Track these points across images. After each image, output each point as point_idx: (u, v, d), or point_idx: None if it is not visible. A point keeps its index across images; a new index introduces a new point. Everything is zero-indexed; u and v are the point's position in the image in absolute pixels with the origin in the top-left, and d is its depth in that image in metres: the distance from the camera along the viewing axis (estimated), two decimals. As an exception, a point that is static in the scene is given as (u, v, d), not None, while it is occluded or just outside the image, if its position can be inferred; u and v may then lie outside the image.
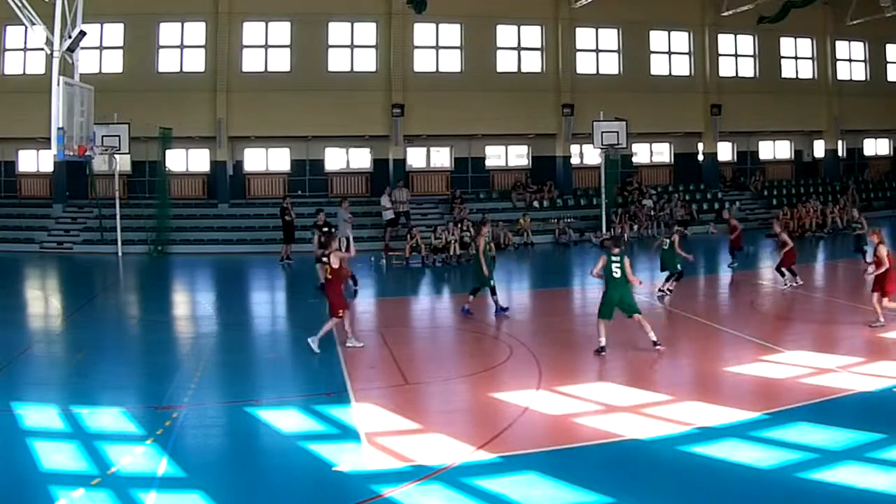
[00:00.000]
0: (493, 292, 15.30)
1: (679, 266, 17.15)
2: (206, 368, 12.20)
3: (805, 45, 34.38)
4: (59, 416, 9.48)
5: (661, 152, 34.92)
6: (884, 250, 13.25)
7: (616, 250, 12.03)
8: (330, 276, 12.42)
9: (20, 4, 15.51)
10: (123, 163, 27.48)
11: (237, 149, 30.40)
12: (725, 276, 20.47)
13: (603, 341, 11.91)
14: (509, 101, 30.06)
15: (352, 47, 29.96)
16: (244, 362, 12.57)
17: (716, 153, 33.42)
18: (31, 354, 13.04)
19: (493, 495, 7.19)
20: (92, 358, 12.54)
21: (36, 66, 26.85)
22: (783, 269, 17.87)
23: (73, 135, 15.92)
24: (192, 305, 18.92)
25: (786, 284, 17.59)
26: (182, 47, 28.94)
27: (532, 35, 31.31)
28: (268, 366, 12.43)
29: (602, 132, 27.74)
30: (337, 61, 29.79)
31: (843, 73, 34.89)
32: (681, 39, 32.72)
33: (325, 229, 18.49)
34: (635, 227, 29.10)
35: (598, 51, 31.99)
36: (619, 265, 11.96)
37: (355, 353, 12.92)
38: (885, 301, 13.10)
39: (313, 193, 30.49)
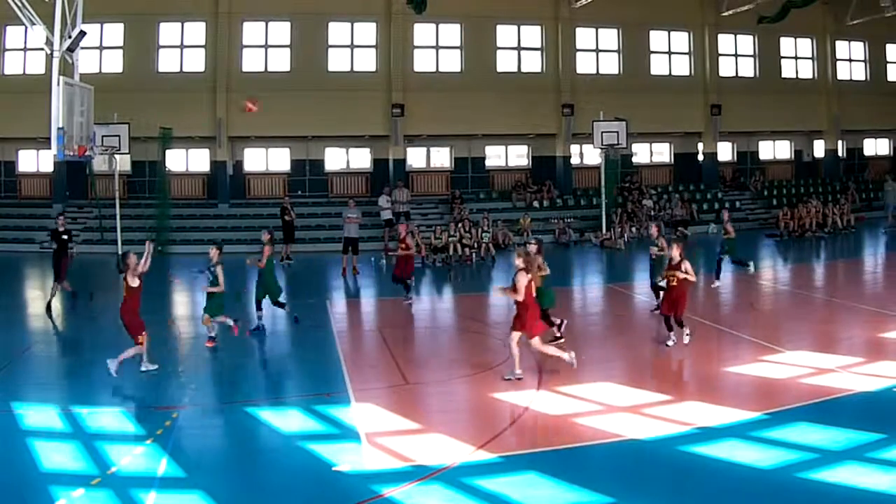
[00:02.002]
0: (259, 307, 14.37)
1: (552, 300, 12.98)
2: (207, 368, 12.21)
3: (805, 45, 34.36)
4: (59, 416, 9.48)
5: (661, 152, 34.90)
6: (524, 279, 10.69)
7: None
8: (126, 295, 11.27)
9: (20, 4, 15.49)
10: (123, 163, 27.46)
11: (237, 149, 30.40)
12: (725, 275, 20.39)
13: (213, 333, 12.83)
14: (509, 101, 30.04)
15: (352, 47, 29.95)
16: (244, 362, 12.57)
17: (716, 153, 33.40)
18: (31, 354, 13.04)
19: (493, 495, 7.20)
20: (92, 358, 12.53)
21: (36, 66, 26.82)
22: (676, 319, 12.52)
23: (73, 135, 15.88)
24: (192, 305, 18.90)
25: (671, 342, 12.52)
26: (182, 47, 28.92)
27: (532, 35, 31.30)
28: (268, 366, 12.44)
29: (602, 132, 27.74)
30: (337, 61, 29.77)
31: (843, 73, 34.85)
32: (681, 39, 32.70)
33: (66, 237, 16.85)
34: (634, 228, 29.06)
35: (598, 51, 31.96)
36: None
37: (355, 353, 12.92)
38: (536, 342, 10.76)
39: (313, 193, 30.51)
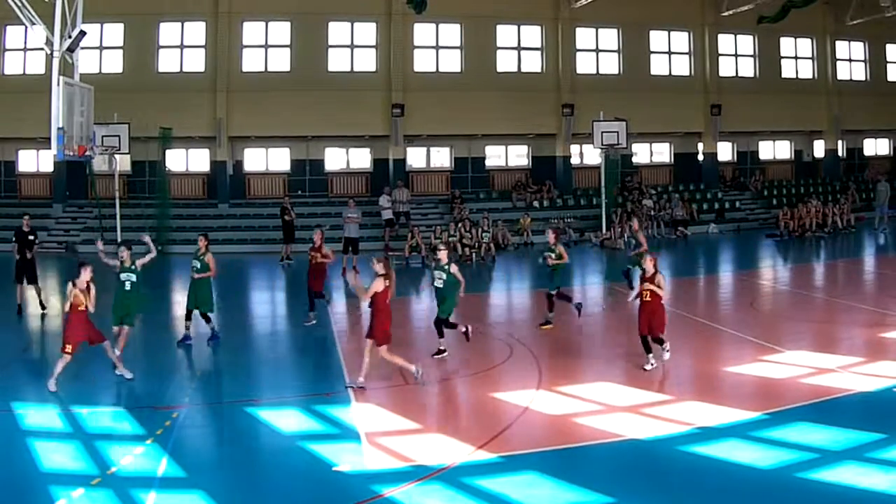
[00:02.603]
0: (207, 319, 13.39)
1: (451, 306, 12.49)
2: (206, 368, 12.21)
3: (805, 45, 34.36)
4: (59, 416, 9.49)
5: (661, 152, 34.89)
6: (378, 285, 10.52)
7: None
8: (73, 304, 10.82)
9: (20, 4, 15.50)
10: (123, 163, 27.47)
11: (237, 149, 30.39)
12: (726, 275, 20.40)
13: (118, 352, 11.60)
14: (509, 101, 30.03)
15: (352, 47, 29.95)
16: (244, 362, 12.57)
17: (716, 153, 33.40)
18: (31, 354, 13.04)
19: (493, 495, 7.20)
20: (92, 358, 12.51)
21: (36, 66, 26.82)
22: (654, 338, 11.30)
23: (73, 135, 15.91)
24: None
25: (650, 365, 11.22)
26: (182, 47, 28.92)
27: (532, 35, 31.30)
28: (268, 366, 12.43)
29: (602, 132, 27.74)
30: (337, 61, 29.78)
31: (843, 73, 34.85)
32: (681, 39, 32.70)
33: (31, 238, 16.16)
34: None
35: (598, 51, 31.96)
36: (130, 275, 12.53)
37: (355, 353, 12.87)
38: (383, 351, 10.50)
39: (313, 193, 30.51)
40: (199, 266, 13.40)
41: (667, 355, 11.36)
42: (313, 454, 8.25)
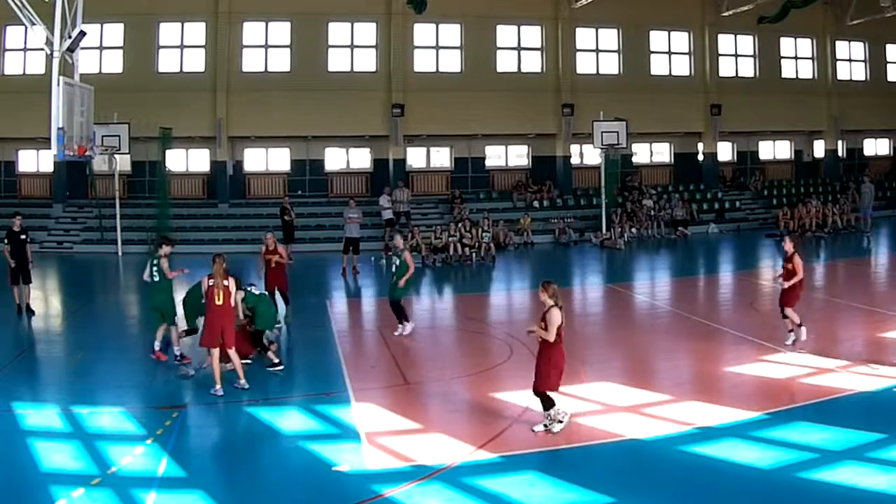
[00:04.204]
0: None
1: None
2: (206, 368, 12.18)
3: (805, 45, 34.36)
4: (59, 416, 9.49)
5: (661, 152, 34.89)
6: (205, 283, 10.41)
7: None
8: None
9: (20, 4, 15.48)
10: (123, 163, 27.48)
11: (237, 149, 30.40)
12: (726, 275, 20.38)
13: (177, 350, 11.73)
14: (509, 101, 30.04)
15: (352, 47, 29.96)
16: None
17: (716, 153, 33.39)
18: (31, 354, 13.05)
19: (493, 495, 7.20)
20: (92, 358, 12.52)
21: (36, 66, 26.83)
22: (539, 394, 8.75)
23: (73, 135, 15.88)
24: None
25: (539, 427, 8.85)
26: (182, 47, 28.92)
27: (532, 35, 31.30)
28: (268, 365, 12.42)
29: (602, 132, 27.75)
30: (337, 61, 29.79)
31: (843, 73, 34.85)
32: (681, 39, 32.70)
33: (24, 237, 15.73)
34: (634, 228, 29.04)
35: (598, 51, 31.96)
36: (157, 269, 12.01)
37: (355, 353, 12.93)
38: (213, 354, 10.44)
39: (313, 193, 30.52)
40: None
41: (540, 427, 8.70)
42: (313, 454, 8.26)
